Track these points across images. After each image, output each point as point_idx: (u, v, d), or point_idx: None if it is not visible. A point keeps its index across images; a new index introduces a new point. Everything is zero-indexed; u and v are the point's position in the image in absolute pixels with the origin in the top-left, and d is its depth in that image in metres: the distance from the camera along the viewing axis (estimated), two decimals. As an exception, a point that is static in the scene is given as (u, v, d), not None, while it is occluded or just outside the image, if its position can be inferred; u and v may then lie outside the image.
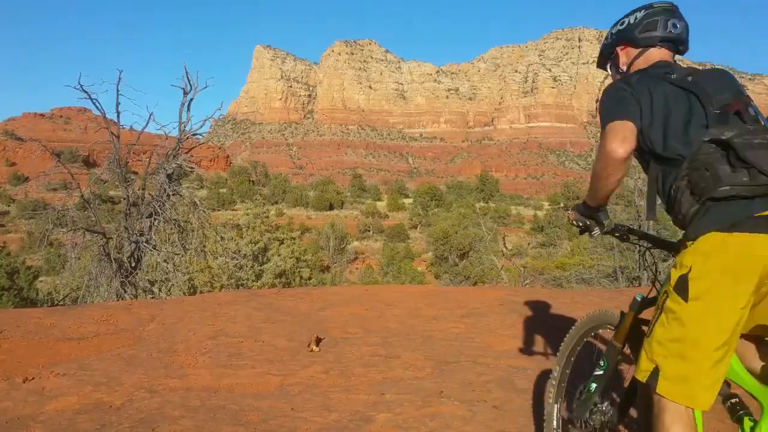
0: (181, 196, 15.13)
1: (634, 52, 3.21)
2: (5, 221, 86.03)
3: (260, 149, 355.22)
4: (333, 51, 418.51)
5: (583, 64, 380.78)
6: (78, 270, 15.09)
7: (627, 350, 3.31)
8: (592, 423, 3.27)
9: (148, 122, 14.82)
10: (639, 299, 3.25)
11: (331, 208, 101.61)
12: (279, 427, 4.41)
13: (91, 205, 13.57)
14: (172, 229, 14.88)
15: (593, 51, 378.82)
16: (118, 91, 14.27)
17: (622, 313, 3.35)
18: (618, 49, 3.29)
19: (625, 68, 3.25)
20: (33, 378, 5.60)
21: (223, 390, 5.34)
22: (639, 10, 3.18)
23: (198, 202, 15.21)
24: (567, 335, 3.75)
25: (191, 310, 8.60)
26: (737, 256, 2.52)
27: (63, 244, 14.41)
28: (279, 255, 27.19)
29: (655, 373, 2.69)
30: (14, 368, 5.95)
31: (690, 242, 2.67)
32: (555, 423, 3.76)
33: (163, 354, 6.39)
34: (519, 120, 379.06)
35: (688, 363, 2.59)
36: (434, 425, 4.35)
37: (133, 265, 14.48)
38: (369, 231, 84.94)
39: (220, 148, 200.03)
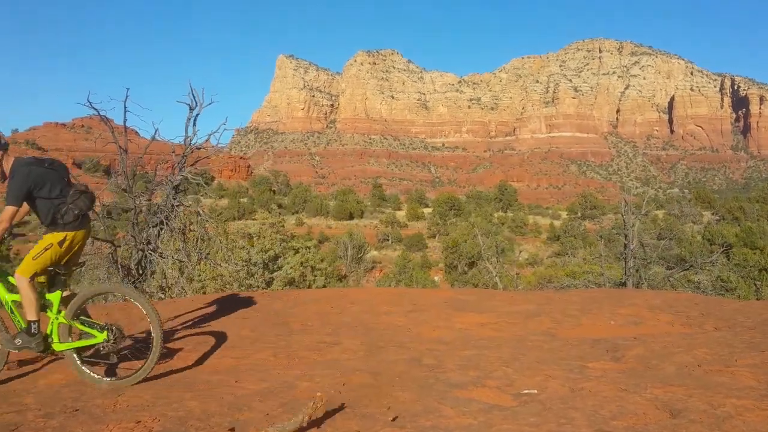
0: (186, 206, 16.13)
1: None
2: (26, 231, 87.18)
3: (283, 158, 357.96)
4: (356, 61, 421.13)
5: (604, 74, 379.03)
6: (88, 277, 16.09)
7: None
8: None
9: (153, 137, 15.92)
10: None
11: (351, 217, 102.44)
12: (221, 392, 5.43)
13: (100, 215, 14.58)
14: (177, 238, 15.87)
15: (613, 62, 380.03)
16: (125, 108, 15.32)
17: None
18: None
19: None
20: (29, 362, 6.69)
21: (185, 369, 6.38)
22: None
23: (201, 212, 16.16)
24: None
25: (181, 309, 9.66)
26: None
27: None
28: (288, 263, 28.13)
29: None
30: (13, 354, 7.02)
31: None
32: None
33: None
34: (540, 130, 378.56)
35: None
36: (343, 388, 5.35)
37: (141, 272, 15.50)
38: (388, 240, 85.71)
39: (241, 158, 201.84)
